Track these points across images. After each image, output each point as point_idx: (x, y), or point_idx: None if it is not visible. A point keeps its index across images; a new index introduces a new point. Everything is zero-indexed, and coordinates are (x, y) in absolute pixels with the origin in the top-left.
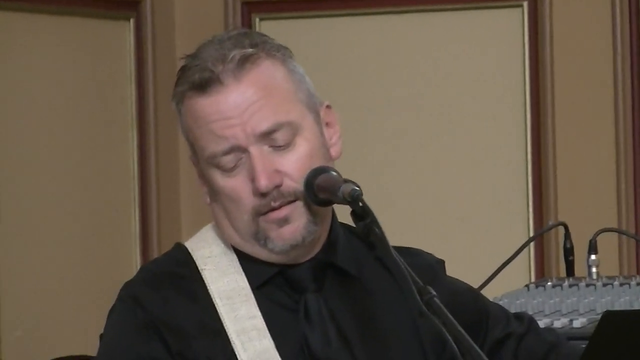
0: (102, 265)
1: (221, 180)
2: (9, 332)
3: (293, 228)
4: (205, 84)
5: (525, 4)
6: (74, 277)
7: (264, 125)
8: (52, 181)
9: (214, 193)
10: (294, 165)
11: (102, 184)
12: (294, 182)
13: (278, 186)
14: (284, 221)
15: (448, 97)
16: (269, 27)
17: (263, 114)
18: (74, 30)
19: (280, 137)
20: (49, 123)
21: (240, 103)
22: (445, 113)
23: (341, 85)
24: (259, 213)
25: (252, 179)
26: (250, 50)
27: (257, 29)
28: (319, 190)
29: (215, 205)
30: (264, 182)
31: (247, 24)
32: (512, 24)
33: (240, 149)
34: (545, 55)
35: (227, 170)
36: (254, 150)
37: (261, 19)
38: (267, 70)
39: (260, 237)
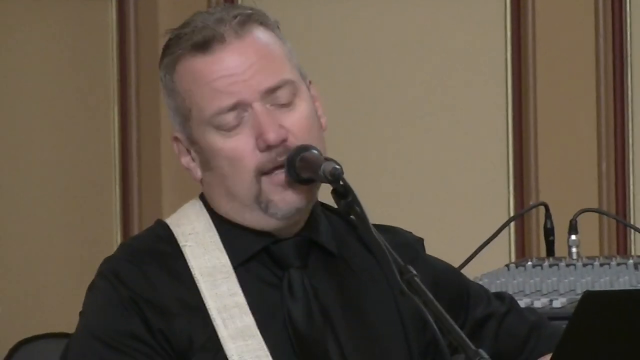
0: (82, 242)
1: (220, 141)
2: None
3: (297, 191)
4: (208, 43)
5: None
6: (55, 255)
7: (269, 82)
8: (33, 159)
9: (208, 161)
10: (296, 123)
11: (83, 163)
12: (297, 140)
13: (284, 141)
14: (288, 184)
15: (430, 78)
16: (252, 6)
17: (267, 71)
18: (55, 8)
19: (282, 94)
20: (30, 102)
21: (244, 60)
22: (426, 94)
23: (324, 65)
24: (263, 171)
25: (258, 135)
26: (249, 11)
27: None
28: (301, 168)
29: (209, 174)
30: (272, 135)
31: (230, 2)
32: (495, 6)
33: (244, 105)
34: (527, 36)
35: (228, 130)
36: (258, 106)
37: None
38: (264, 34)
39: (262, 200)
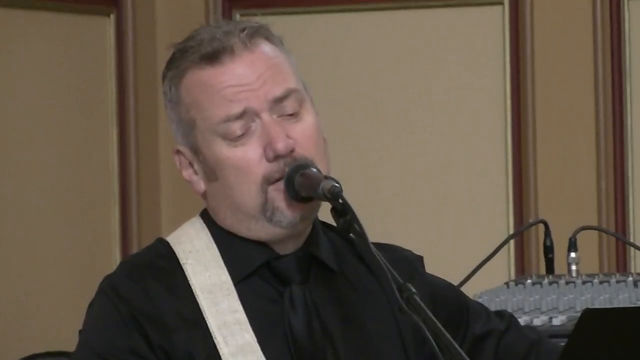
0: (81, 261)
1: (227, 150)
2: None
3: (299, 206)
4: (217, 54)
5: (506, 0)
6: (53, 273)
7: (277, 91)
8: (32, 177)
9: (213, 171)
10: (303, 133)
11: (82, 180)
12: (303, 151)
13: (292, 151)
14: (288, 202)
15: (429, 94)
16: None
17: (275, 80)
18: (54, 25)
19: (289, 105)
20: (28, 118)
21: (253, 71)
22: (425, 110)
23: (321, 81)
24: (269, 181)
25: (267, 144)
26: (255, 25)
27: None
28: (300, 186)
29: (214, 185)
30: (281, 144)
31: (228, 19)
32: (494, 21)
33: (252, 113)
34: (525, 52)
35: (234, 140)
36: (266, 116)
37: (242, 15)
38: (270, 47)
39: (268, 208)
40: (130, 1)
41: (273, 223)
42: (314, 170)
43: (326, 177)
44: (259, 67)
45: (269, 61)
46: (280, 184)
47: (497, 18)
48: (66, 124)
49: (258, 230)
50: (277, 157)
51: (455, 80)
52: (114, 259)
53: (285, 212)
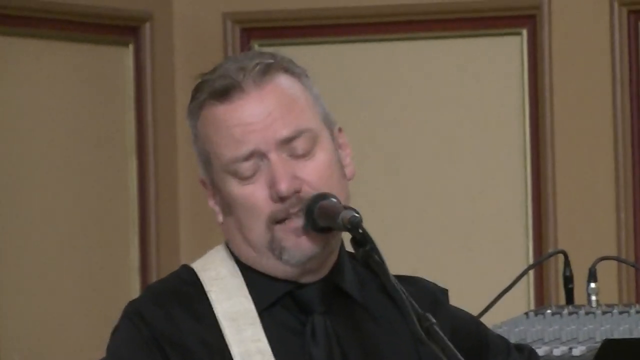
0: (101, 292)
1: (237, 188)
2: (7, 356)
3: (312, 238)
4: (226, 91)
5: (525, 31)
6: (73, 303)
7: (285, 132)
8: (52, 207)
9: (228, 206)
10: (313, 172)
11: (101, 211)
12: (313, 190)
13: (297, 192)
14: (302, 231)
15: (448, 124)
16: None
17: (284, 120)
18: (73, 55)
19: (300, 145)
20: (48, 149)
21: (262, 110)
22: (444, 140)
23: (339, 112)
24: (275, 220)
25: (271, 185)
26: (270, 60)
27: None
28: (319, 216)
29: (229, 219)
30: (284, 186)
31: (246, 49)
32: (512, 51)
33: (260, 154)
34: (544, 83)
35: (244, 179)
36: (273, 156)
37: (260, 45)
38: (287, 82)
39: (276, 247)
40: (149, 31)
41: (283, 261)
42: (334, 200)
43: (346, 207)
44: (269, 104)
45: (280, 97)
46: (288, 222)
47: (515, 48)
48: (85, 155)
49: (270, 266)
50: (281, 198)
51: (473, 110)
52: (134, 290)
53: (293, 250)
